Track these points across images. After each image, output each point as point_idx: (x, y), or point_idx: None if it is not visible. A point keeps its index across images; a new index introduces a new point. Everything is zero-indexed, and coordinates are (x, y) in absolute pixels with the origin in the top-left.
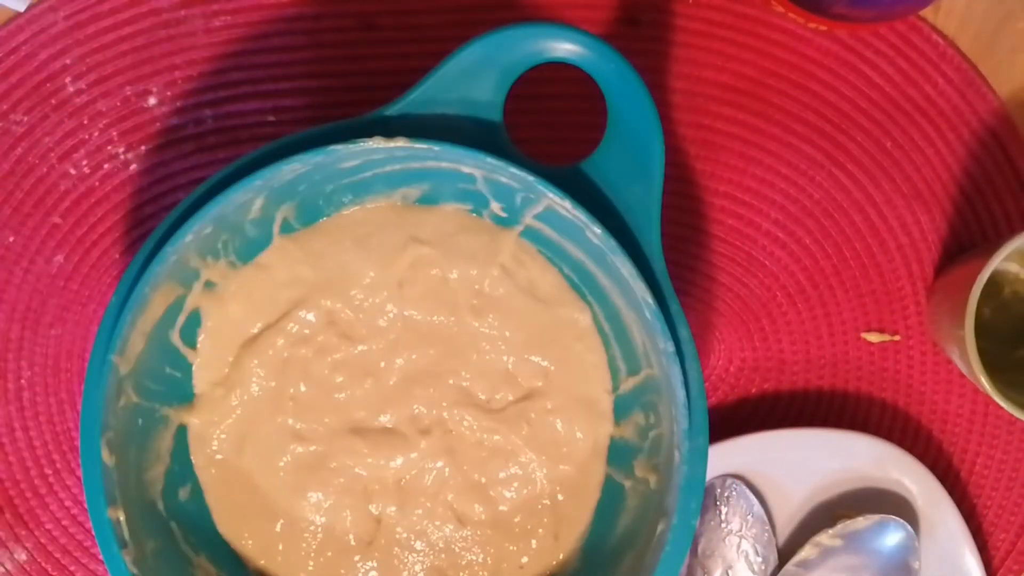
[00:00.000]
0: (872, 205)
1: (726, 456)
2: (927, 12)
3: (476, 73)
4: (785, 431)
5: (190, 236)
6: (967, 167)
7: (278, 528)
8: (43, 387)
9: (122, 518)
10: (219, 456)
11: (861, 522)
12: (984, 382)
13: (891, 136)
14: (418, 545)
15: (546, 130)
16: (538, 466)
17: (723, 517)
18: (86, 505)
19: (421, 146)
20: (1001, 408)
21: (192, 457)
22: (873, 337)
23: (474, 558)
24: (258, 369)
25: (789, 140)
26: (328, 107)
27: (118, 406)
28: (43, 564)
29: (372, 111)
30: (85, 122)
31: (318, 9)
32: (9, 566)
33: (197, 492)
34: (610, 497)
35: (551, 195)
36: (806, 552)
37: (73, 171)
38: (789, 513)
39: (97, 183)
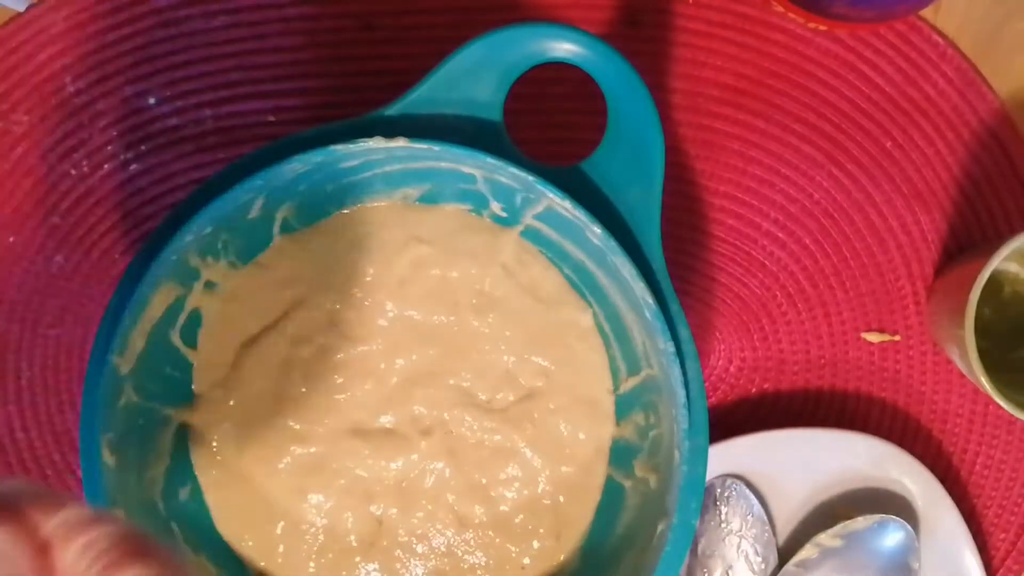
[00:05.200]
0: (872, 205)
1: (726, 456)
2: (927, 12)
3: (476, 73)
4: (785, 431)
5: (190, 236)
6: (967, 167)
7: (279, 530)
8: (43, 387)
9: (122, 518)
10: (219, 457)
11: (861, 522)
12: (984, 382)
13: (891, 136)
14: (419, 548)
15: (546, 130)
16: (540, 467)
17: (723, 517)
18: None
19: (421, 146)
20: (1001, 408)
21: (192, 458)
22: (873, 337)
23: (476, 561)
24: (258, 370)
25: (789, 140)
26: (328, 107)
27: (118, 406)
28: None
29: (372, 111)
30: (85, 122)
31: (318, 9)
32: None
33: (197, 492)
34: (610, 497)
35: (551, 195)
36: (806, 552)
37: (73, 171)
38: (789, 513)
39: (97, 183)
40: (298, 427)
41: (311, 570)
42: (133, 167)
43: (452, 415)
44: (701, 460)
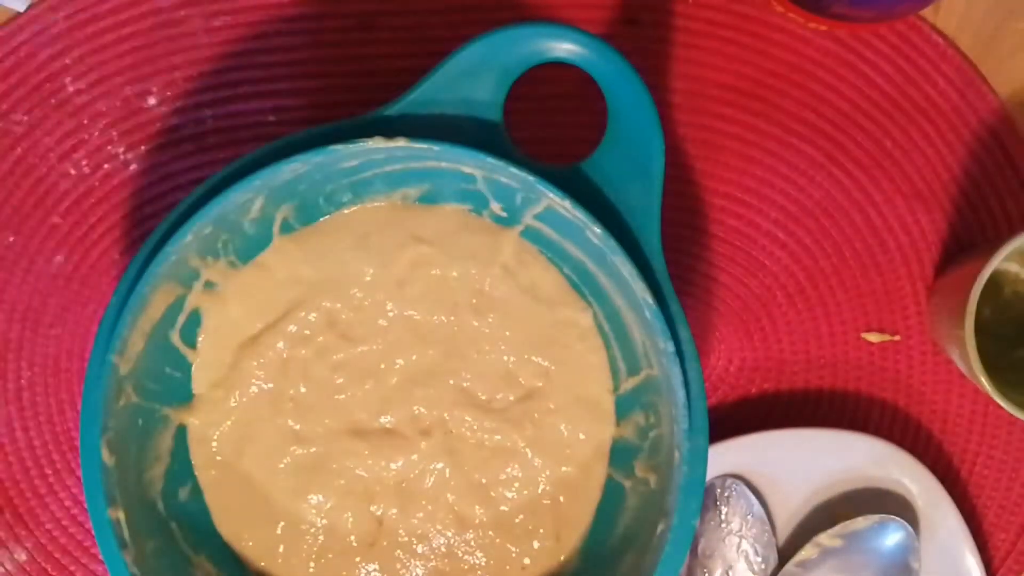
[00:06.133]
0: (872, 205)
1: (726, 456)
2: (927, 12)
3: (476, 73)
4: (785, 431)
5: (190, 236)
6: (967, 167)
7: (279, 530)
8: (43, 387)
9: (122, 518)
10: (219, 457)
11: (861, 522)
12: (984, 382)
13: (891, 136)
14: (420, 548)
15: (546, 130)
16: (540, 467)
17: (723, 517)
18: (86, 505)
19: (421, 146)
20: (1001, 408)
21: (192, 458)
22: (873, 337)
23: (476, 561)
24: (257, 370)
25: (789, 140)
26: (328, 107)
27: (118, 406)
28: (43, 564)
29: (372, 111)
30: (85, 122)
31: (318, 9)
32: (9, 566)
33: (197, 492)
34: (610, 497)
35: (551, 195)
36: (806, 552)
37: (73, 171)
38: (789, 513)
39: (97, 183)
40: (298, 427)
41: (311, 570)
42: (133, 167)
43: (452, 415)
44: (701, 460)
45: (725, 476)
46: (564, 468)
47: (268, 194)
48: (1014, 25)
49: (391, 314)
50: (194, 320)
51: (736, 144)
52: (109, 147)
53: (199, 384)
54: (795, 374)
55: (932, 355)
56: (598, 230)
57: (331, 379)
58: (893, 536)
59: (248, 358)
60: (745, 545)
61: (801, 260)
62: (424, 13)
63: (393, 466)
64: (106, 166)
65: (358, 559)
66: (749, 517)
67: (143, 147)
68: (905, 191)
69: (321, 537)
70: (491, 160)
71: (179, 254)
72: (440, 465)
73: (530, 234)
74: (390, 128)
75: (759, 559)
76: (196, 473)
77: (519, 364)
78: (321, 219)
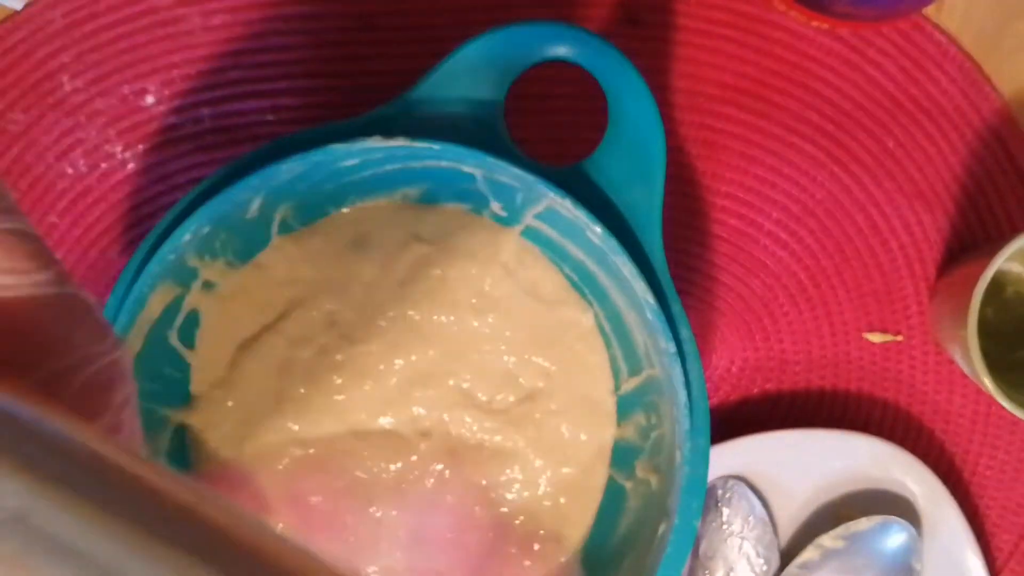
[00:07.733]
0: (874, 205)
1: (728, 457)
2: (930, 11)
3: (476, 72)
4: (787, 432)
5: (188, 236)
6: (970, 166)
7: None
8: None
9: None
10: (218, 458)
11: (863, 523)
12: (987, 383)
13: (893, 135)
14: None
15: (546, 130)
16: (541, 468)
17: (725, 518)
18: None
19: (421, 145)
20: (1004, 409)
21: (191, 459)
22: (875, 337)
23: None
24: (256, 371)
25: (791, 139)
26: (327, 107)
27: None
28: None
29: (372, 111)
30: (82, 121)
31: (317, 9)
32: None
33: None
34: (611, 498)
35: (551, 195)
36: (808, 553)
37: (70, 170)
38: (791, 514)
39: (94, 182)
40: (297, 428)
41: None
42: (131, 166)
43: (452, 416)
44: (702, 461)
45: (727, 477)
46: (565, 469)
47: (267, 194)
48: (1016, 24)
49: (391, 314)
50: (192, 320)
51: (738, 144)
52: (107, 146)
53: (198, 385)
54: (797, 374)
55: (934, 355)
56: (599, 230)
57: (330, 380)
58: (895, 537)
59: (247, 358)
60: (747, 546)
61: (803, 260)
62: (424, 13)
63: (392, 467)
64: (103, 165)
65: None
66: (751, 518)
67: (141, 146)
68: (907, 191)
69: None
70: (491, 159)
71: (177, 254)
72: (440, 466)
73: (530, 234)
74: (389, 127)
75: (761, 560)
76: (195, 474)
77: (520, 365)
78: (320, 219)
